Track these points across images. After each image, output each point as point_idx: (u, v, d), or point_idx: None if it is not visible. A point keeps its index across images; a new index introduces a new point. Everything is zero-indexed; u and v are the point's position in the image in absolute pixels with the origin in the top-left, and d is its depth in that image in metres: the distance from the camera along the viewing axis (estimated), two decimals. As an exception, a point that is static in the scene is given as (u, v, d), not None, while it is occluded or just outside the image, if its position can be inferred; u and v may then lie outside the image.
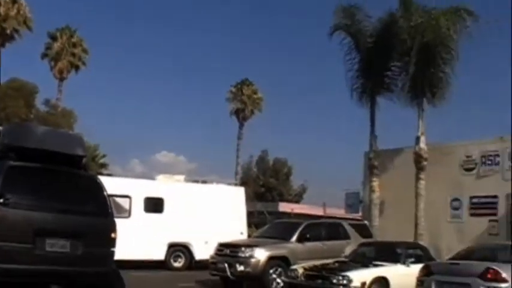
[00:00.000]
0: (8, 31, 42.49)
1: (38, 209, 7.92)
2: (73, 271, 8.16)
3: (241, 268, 15.49)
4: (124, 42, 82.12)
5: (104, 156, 42.11)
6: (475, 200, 20.80)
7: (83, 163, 9.08)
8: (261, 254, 15.63)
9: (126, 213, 19.34)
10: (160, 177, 23.36)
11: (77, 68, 47.24)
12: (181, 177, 23.95)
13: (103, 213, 8.57)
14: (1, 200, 7.60)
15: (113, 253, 8.55)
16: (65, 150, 8.61)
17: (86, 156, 9.08)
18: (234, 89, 55.71)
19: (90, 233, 8.25)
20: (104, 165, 39.96)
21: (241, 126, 56.08)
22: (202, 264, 20.22)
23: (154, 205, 21.25)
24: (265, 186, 52.82)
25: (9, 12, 42.17)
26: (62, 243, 8.02)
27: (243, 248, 15.91)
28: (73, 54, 46.39)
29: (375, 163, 23.37)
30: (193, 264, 21.75)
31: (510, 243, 13.48)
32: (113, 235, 8.49)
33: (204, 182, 24.33)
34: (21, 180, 8.00)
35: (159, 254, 21.14)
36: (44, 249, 7.86)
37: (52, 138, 9.09)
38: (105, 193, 8.74)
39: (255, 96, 55.43)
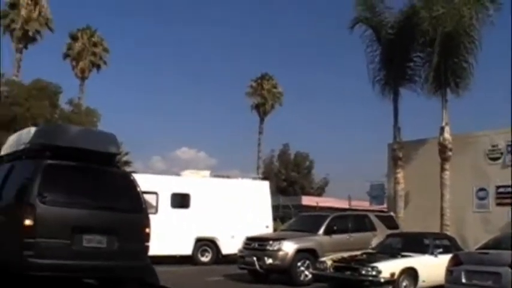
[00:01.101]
0: (31, 33, 43.09)
1: (75, 206, 8.10)
2: (109, 266, 8.32)
3: (269, 261, 15.67)
4: (143, 39, 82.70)
5: (127, 153, 42.48)
6: (501, 190, 20.68)
7: (116, 160, 9.28)
8: (289, 247, 15.79)
9: (153, 209, 19.58)
10: (186, 173, 23.54)
11: (98, 67, 47.72)
12: (207, 172, 24.14)
13: (137, 209, 8.73)
14: (39, 198, 7.78)
15: (147, 248, 8.71)
16: (99, 148, 8.79)
17: (119, 154, 9.26)
18: (254, 84, 55.85)
19: (125, 228, 8.41)
20: (127, 163, 40.26)
21: (261, 120, 56.26)
22: (229, 259, 20.43)
23: (180, 201, 21.53)
24: (287, 180, 52.85)
25: (31, 14, 42.75)
26: (99, 239, 8.20)
27: (271, 242, 16.08)
28: (94, 54, 46.85)
29: (399, 154, 23.38)
30: (220, 258, 21.96)
31: (538, 231, 13.41)
32: (147, 230, 8.65)
33: (227, 177, 24.53)
34: (57, 179, 8.17)
35: (187, 249, 21.39)
36: (81, 244, 8.03)
37: (86, 137, 9.28)
38: (138, 189, 8.90)
39: (275, 90, 55.53)
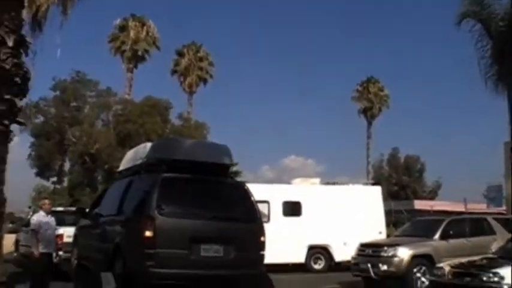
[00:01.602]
0: (140, 53, 45.11)
1: (192, 216, 8.35)
2: (226, 275, 8.47)
3: (384, 268, 15.32)
4: (247, 46, 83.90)
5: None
6: None
7: (230, 171, 9.47)
8: (404, 253, 15.37)
9: (265, 218, 19.75)
10: (297, 181, 23.61)
11: (204, 81, 49.02)
12: (317, 180, 24.11)
13: (252, 218, 8.87)
14: (158, 210, 8.07)
15: (262, 256, 8.81)
16: (213, 160, 9.02)
17: (233, 165, 9.43)
18: (359, 88, 55.20)
19: (241, 237, 8.56)
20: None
21: (369, 124, 55.45)
22: (342, 266, 20.22)
23: (292, 209, 21.60)
24: (398, 185, 51.78)
25: (139, 35, 44.83)
26: (216, 248, 8.39)
27: (385, 248, 15.73)
28: (200, 68, 48.20)
29: (517, 153, 22.22)
30: (333, 265, 21.80)
31: None
32: (262, 239, 8.75)
33: (336, 183, 24.34)
34: (174, 191, 8.46)
35: (300, 257, 21.42)
36: (199, 254, 8.25)
37: (200, 149, 9.58)
38: (252, 199, 9.03)
39: (381, 93, 54.60)
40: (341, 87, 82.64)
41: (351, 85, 56.03)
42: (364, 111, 54.68)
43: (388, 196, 42.63)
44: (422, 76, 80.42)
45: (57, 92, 40.56)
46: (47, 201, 13.65)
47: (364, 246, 16.53)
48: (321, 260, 21.96)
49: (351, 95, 55.54)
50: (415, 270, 15.22)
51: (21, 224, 27.06)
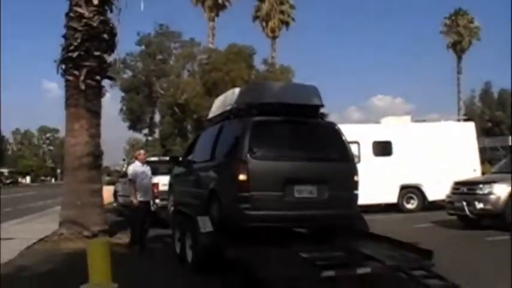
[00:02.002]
0: (220, 1, 45.08)
1: (284, 158, 8.38)
2: (320, 215, 8.50)
3: (480, 206, 14.95)
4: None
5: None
6: None
7: (320, 112, 9.40)
8: (501, 190, 14.88)
9: (356, 158, 19.57)
10: (386, 120, 23.19)
11: (287, 24, 48.62)
12: (408, 118, 23.61)
13: (345, 158, 8.80)
14: (250, 154, 8.16)
15: (356, 196, 8.75)
16: (302, 101, 8.97)
17: (322, 106, 9.34)
18: (448, 21, 53.01)
19: (334, 177, 8.53)
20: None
21: (459, 59, 53.40)
22: (436, 205, 19.91)
23: (382, 149, 21.34)
24: (491, 121, 50.14)
25: (220, -17, 44.69)
26: (309, 189, 8.40)
27: (481, 185, 15.31)
28: (282, 12, 47.74)
29: None
30: (426, 205, 21.51)
31: None
32: (355, 178, 8.68)
33: (425, 121, 23.79)
34: (265, 134, 8.50)
35: (392, 197, 21.29)
36: (293, 195, 8.29)
37: (289, 91, 9.53)
38: (344, 139, 8.95)
39: (471, 25, 52.20)
40: (429, 21, 79.62)
41: (439, 19, 53.97)
42: (454, 45, 52.66)
43: (482, 133, 41.34)
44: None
45: (143, 47, 41.50)
46: (142, 151, 14.13)
47: (458, 184, 16.15)
48: (413, 199, 21.74)
49: (439, 29, 53.54)
50: (514, 208, 14.78)
51: (118, 176, 28.31)
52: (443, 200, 17.11)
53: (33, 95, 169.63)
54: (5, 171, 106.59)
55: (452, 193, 16.14)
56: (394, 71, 70.68)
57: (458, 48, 52.50)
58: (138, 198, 12.71)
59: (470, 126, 23.15)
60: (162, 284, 9.12)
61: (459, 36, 51.96)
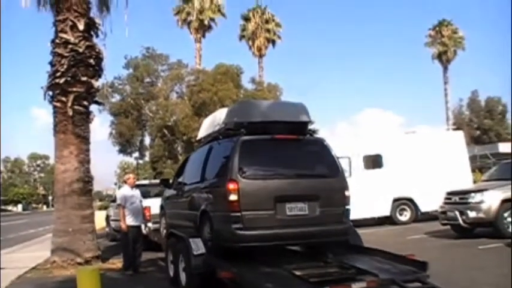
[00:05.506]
0: (206, 22, 45.33)
1: (274, 176, 8.33)
2: (313, 231, 8.44)
3: (473, 214, 15.00)
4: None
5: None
6: None
7: (309, 129, 9.38)
8: (492, 198, 14.95)
9: (347, 173, 19.54)
10: (375, 134, 23.24)
11: (273, 42, 48.87)
12: (397, 130, 23.73)
13: (334, 174, 8.77)
14: (240, 173, 8.12)
15: (348, 211, 8.71)
16: (291, 119, 8.96)
17: (311, 122, 9.34)
18: (432, 32, 53.42)
19: (325, 193, 8.48)
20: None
21: (445, 69, 53.77)
22: (429, 216, 19.94)
23: (373, 162, 21.37)
24: (480, 129, 50.37)
25: (204, 4, 44.99)
26: (300, 206, 8.34)
27: (472, 194, 15.36)
28: (268, 31, 48.01)
29: None
30: (419, 216, 21.53)
31: None
32: (346, 193, 8.64)
33: (414, 133, 23.87)
34: (255, 153, 8.46)
35: (385, 210, 21.29)
36: (284, 213, 8.23)
37: (276, 109, 9.52)
38: (333, 153, 8.94)
39: (455, 35, 52.61)
40: (413, 34, 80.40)
41: (423, 30, 54.48)
42: (439, 56, 52.99)
43: (471, 141, 41.55)
44: (497, 12, 76.82)
45: (130, 70, 41.46)
46: (131, 175, 14.08)
47: (450, 194, 16.19)
48: (406, 211, 21.75)
49: (424, 40, 53.94)
50: (505, 215, 14.81)
51: (110, 200, 28.20)
52: (435, 211, 17.13)
53: (22, 122, 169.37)
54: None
55: (445, 203, 16.17)
56: (382, 84, 71.05)
57: (444, 58, 52.88)
58: (128, 222, 12.67)
59: (459, 134, 23.26)
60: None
61: (444, 47, 52.37)
